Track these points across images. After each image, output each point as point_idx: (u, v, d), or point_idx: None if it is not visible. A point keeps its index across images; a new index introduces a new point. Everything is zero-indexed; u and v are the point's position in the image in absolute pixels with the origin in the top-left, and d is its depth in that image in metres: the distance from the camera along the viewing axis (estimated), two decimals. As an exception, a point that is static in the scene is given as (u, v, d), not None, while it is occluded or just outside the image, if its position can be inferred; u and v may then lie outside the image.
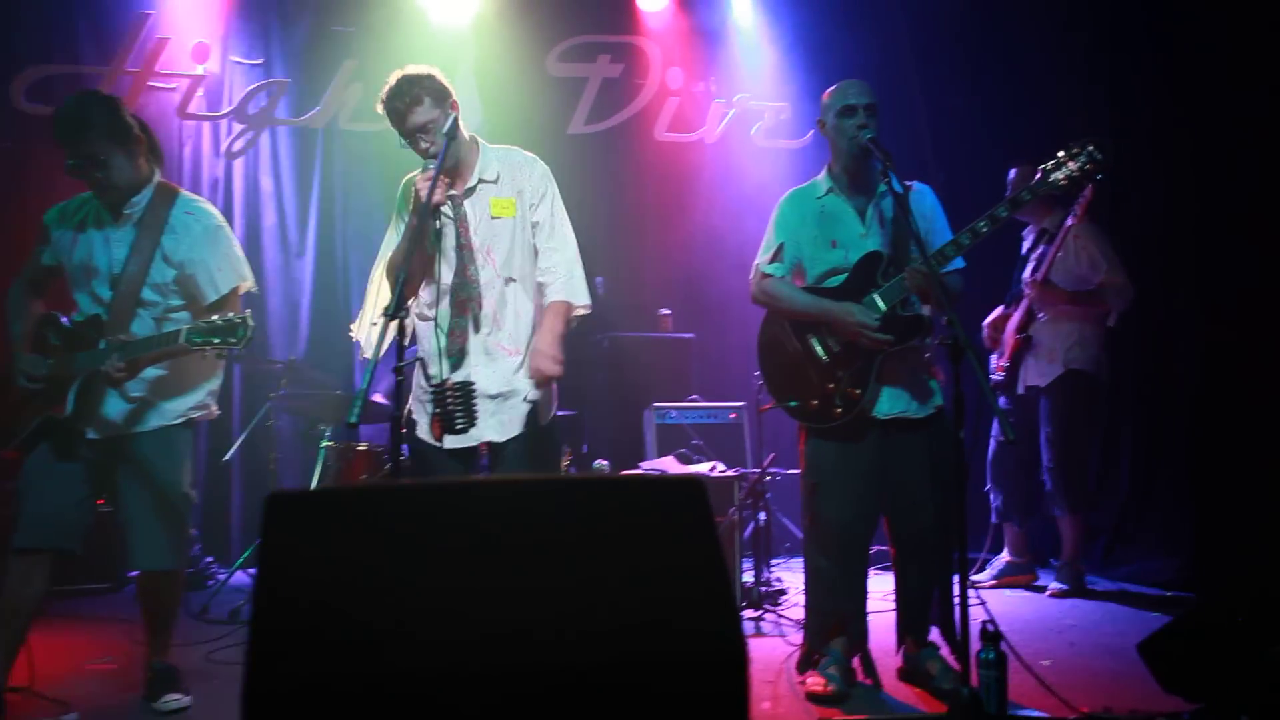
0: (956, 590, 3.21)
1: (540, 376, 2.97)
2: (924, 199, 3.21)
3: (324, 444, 4.67)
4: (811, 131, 6.60)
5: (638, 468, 4.70)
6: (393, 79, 2.97)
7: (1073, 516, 4.77)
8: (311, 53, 6.02)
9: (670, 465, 4.64)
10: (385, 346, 2.48)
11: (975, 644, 2.55)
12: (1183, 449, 5.07)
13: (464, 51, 6.09)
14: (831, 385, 3.14)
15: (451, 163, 2.97)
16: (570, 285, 3.08)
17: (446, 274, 2.99)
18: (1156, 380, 5.25)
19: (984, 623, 2.59)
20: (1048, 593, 4.72)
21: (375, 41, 5.89)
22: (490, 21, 6.14)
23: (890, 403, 3.13)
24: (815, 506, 3.18)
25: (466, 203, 3.03)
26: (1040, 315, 4.84)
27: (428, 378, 2.96)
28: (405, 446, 3.02)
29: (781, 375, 3.26)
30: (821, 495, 3.17)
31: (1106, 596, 4.73)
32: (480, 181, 3.06)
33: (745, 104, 6.61)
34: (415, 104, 2.92)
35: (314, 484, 4.58)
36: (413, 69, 2.98)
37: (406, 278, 2.73)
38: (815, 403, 3.16)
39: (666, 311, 6.16)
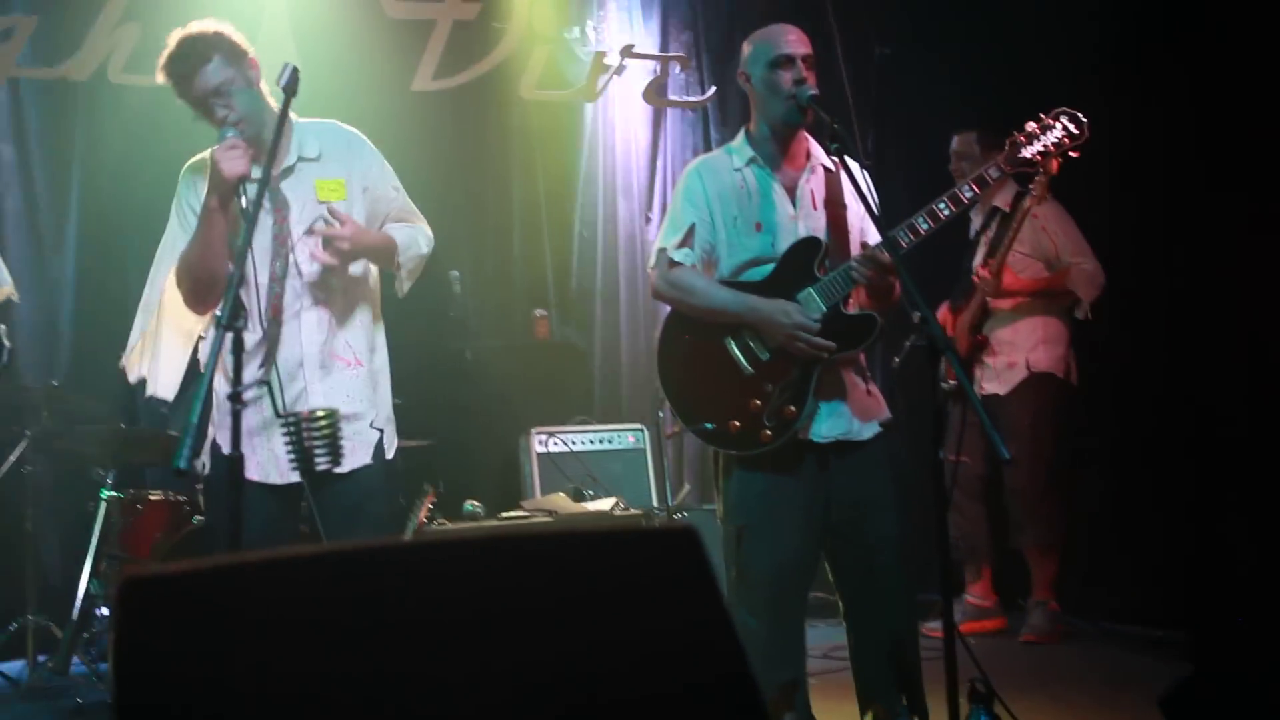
0: (924, 643, 3.32)
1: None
2: (857, 177, 3.26)
3: (104, 494, 4.48)
4: (714, 89, 6.67)
5: (518, 508, 4.65)
6: (171, 41, 2.96)
7: (1043, 547, 4.94)
8: (67, -22, 5.77)
9: (561, 505, 4.61)
10: (214, 365, 2.37)
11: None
12: (1167, 463, 5.31)
13: (275, -10, 5.92)
14: (758, 402, 3.12)
15: (254, 131, 2.95)
16: (415, 240, 3.18)
17: (258, 273, 2.96)
18: (1133, 383, 5.49)
19: (972, 680, 2.64)
20: (1021, 638, 4.87)
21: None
22: (307, -51, 5.99)
23: (830, 422, 3.14)
24: (742, 556, 3.16)
25: (284, 185, 3.02)
26: (995, 310, 5.00)
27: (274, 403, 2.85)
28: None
29: (692, 391, 3.21)
30: (749, 540, 3.15)
31: (1087, 639, 4.91)
32: (300, 160, 3.07)
33: (632, 55, 6.63)
34: (203, 63, 2.91)
35: (92, 547, 4.39)
36: (196, 26, 2.98)
37: (210, 277, 2.66)
38: (737, 424, 3.12)
39: (542, 313, 6.13)
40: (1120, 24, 5.47)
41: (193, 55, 2.90)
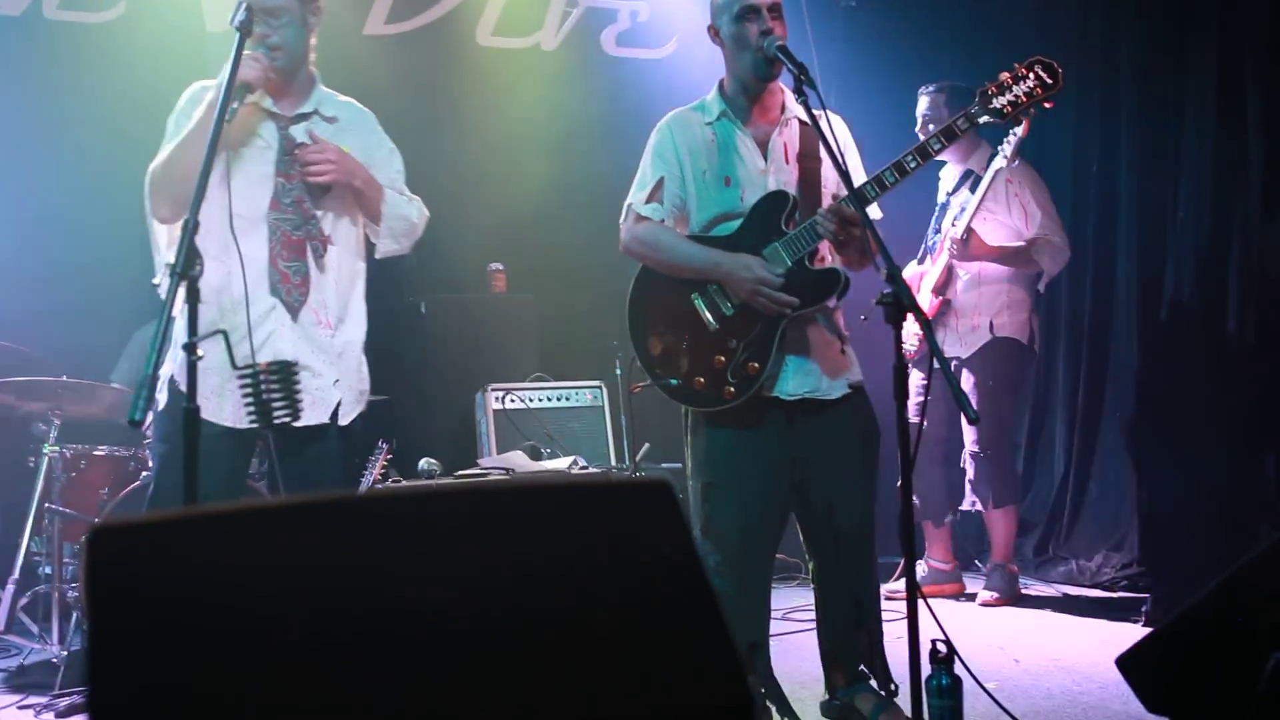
0: (885, 606, 3.38)
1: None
2: (837, 131, 3.27)
3: (46, 449, 4.44)
4: (675, 38, 6.64)
5: (475, 466, 4.66)
6: None
7: (1002, 510, 5.04)
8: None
9: (518, 462, 4.63)
10: (169, 312, 2.36)
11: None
12: (1122, 429, 5.43)
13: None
14: (722, 358, 3.16)
15: (284, 63, 3.07)
16: (406, 204, 3.34)
17: (253, 200, 3.05)
18: (1090, 351, 5.59)
19: (934, 641, 2.70)
20: (979, 601, 4.97)
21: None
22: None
23: (798, 380, 3.18)
24: (707, 512, 3.20)
25: (294, 128, 3.14)
26: (962, 274, 5.06)
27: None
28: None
29: (658, 347, 3.25)
30: (714, 498, 3.19)
31: (1045, 603, 5.03)
32: (318, 114, 3.19)
33: (591, 1, 6.58)
34: None
35: (34, 504, 4.35)
36: None
37: (189, 174, 2.71)
38: (701, 380, 3.17)
39: (498, 267, 6.11)
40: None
41: None
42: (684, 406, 3.27)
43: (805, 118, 3.11)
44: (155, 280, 3.02)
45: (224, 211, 3.01)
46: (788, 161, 3.23)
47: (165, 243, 3.10)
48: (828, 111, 3.00)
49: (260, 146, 3.11)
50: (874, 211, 3.21)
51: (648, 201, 3.26)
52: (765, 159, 3.22)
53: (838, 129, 3.27)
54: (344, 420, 3.21)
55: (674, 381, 3.20)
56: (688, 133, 3.28)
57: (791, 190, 3.19)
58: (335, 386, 3.17)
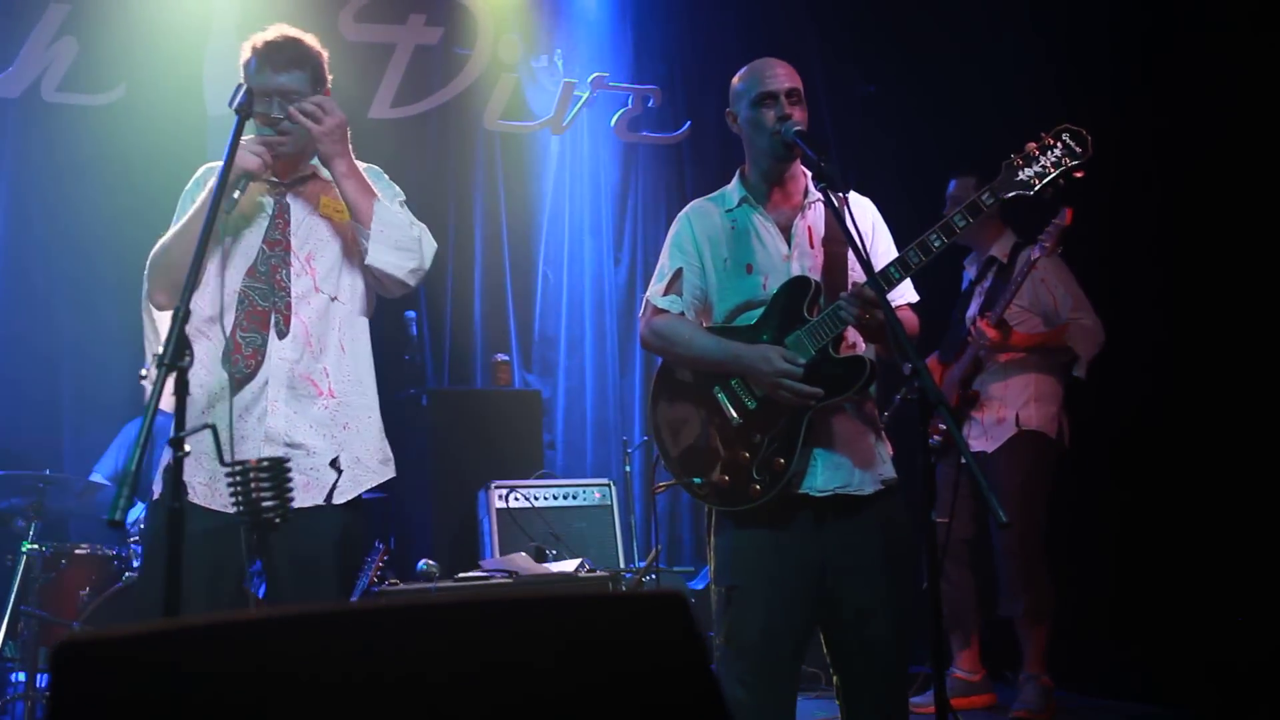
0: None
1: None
2: (863, 212, 3.25)
3: (25, 547, 4.40)
4: (689, 124, 6.70)
5: (477, 568, 4.58)
6: (273, 29, 3.08)
7: (1035, 618, 4.93)
8: (3, -9, 5.74)
9: (522, 565, 4.55)
10: (155, 407, 2.31)
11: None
12: (1161, 527, 5.33)
13: (224, 4, 5.90)
14: (747, 454, 3.10)
15: (289, 150, 3.04)
16: (406, 218, 3.16)
17: (234, 276, 3.01)
18: (1125, 443, 5.52)
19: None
20: (1012, 715, 4.84)
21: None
22: (261, -35, 5.99)
23: (828, 475, 3.10)
24: (730, 618, 3.13)
25: (289, 195, 3.10)
26: (988, 364, 5.02)
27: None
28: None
29: (682, 443, 3.21)
30: (738, 602, 3.11)
31: (1083, 715, 4.90)
32: (315, 176, 3.14)
33: (603, 86, 6.66)
34: (293, 65, 3.02)
35: (9, 605, 4.29)
36: (306, 36, 3.10)
37: (188, 281, 2.68)
38: (727, 478, 3.11)
39: (504, 358, 6.11)
40: (1099, 65, 5.58)
41: (292, 52, 3.03)
42: (707, 506, 3.21)
43: (833, 199, 3.10)
44: (143, 372, 2.97)
45: (218, 295, 2.98)
46: (812, 246, 3.20)
47: (159, 332, 3.08)
48: (853, 193, 2.98)
49: (258, 218, 3.09)
50: (910, 293, 3.18)
51: (665, 294, 3.25)
52: (789, 244, 3.19)
53: (865, 210, 3.26)
54: (340, 499, 3.07)
55: (698, 480, 3.14)
56: (707, 222, 3.27)
57: (815, 275, 3.15)
58: (332, 466, 3.05)
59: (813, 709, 4.72)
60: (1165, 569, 5.31)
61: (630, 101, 6.70)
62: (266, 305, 3.01)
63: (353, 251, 3.12)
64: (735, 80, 3.25)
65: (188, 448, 2.39)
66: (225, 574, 2.99)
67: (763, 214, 3.23)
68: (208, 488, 2.96)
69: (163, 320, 3.08)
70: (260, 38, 3.06)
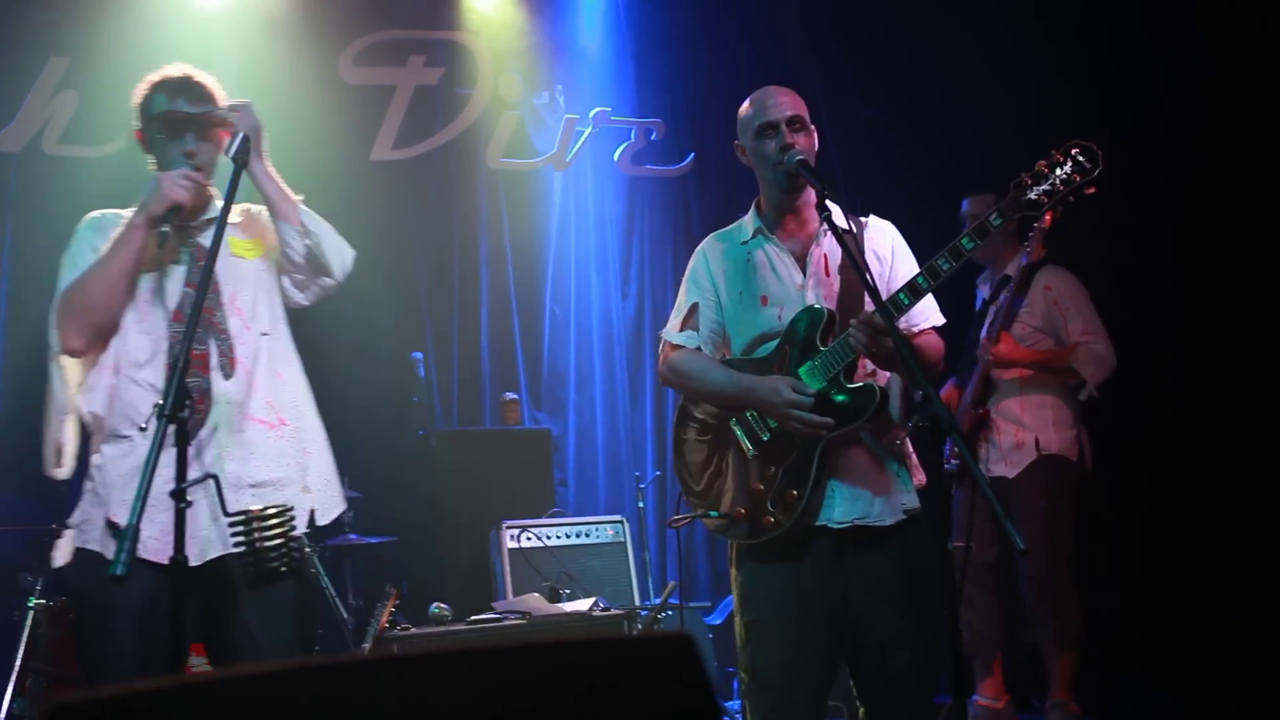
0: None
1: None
2: (882, 236, 3.23)
3: (32, 602, 4.37)
4: (692, 156, 6.71)
5: (489, 610, 4.54)
6: (176, 68, 3.10)
7: (1063, 643, 4.86)
8: (3, 45, 5.76)
9: (535, 606, 4.51)
10: (155, 459, 2.30)
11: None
12: (1187, 547, 5.28)
13: (224, 50, 5.93)
14: (761, 486, 3.09)
15: (200, 189, 3.04)
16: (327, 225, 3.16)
17: (158, 323, 2.97)
18: (1149, 462, 5.47)
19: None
20: (1037, 746, 4.78)
21: (96, 34, 5.68)
22: (260, 10, 6.02)
23: (846, 506, 3.07)
24: (750, 652, 3.11)
25: (200, 238, 3.08)
26: (999, 384, 4.98)
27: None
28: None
29: (702, 477, 3.22)
30: (757, 637, 3.10)
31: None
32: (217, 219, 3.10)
33: (606, 120, 6.67)
34: (203, 100, 3.03)
35: (17, 662, 4.27)
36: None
37: (106, 304, 2.76)
38: (742, 511, 3.10)
39: (513, 396, 6.09)
40: (1102, 87, 5.58)
41: (200, 87, 3.05)
42: (729, 540, 3.20)
43: (846, 226, 3.08)
44: (141, 425, 2.87)
45: (142, 341, 2.95)
46: (828, 274, 3.18)
47: (75, 382, 3.01)
48: (873, 217, 2.96)
49: (172, 262, 3.04)
50: (934, 316, 3.16)
51: (682, 329, 3.27)
52: (804, 273, 3.17)
53: (884, 233, 3.25)
54: (323, 520, 3.07)
55: (715, 514, 3.14)
56: (722, 255, 3.28)
57: (830, 304, 3.13)
58: (305, 494, 3.03)
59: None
60: (1195, 590, 5.24)
61: (633, 135, 6.70)
62: (203, 349, 2.96)
63: (269, 288, 3.14)
64: (741, 111, 3.25)
65: (191, 498, 2.37)
66: (162, 627, 2.74)
67: (777, 244, 3.22)
68: (157, 541, 2.82)
69: (72, 368, 3.03)
70: (166, 72, 3.08)
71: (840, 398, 3.05)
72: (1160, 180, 5.43)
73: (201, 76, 3.09)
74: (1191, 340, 5.26)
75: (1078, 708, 4.91)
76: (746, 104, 3.24)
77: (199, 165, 2.99)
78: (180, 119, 2.99)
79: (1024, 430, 4.94)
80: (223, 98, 3.08)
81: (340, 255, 3.14)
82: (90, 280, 2.95)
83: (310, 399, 3.18)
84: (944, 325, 3.25)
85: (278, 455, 3.01)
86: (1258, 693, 4.62)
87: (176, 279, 3.02)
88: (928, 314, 3.15)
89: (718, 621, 5.52)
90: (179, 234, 3.04)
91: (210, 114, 3.01)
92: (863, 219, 3.21)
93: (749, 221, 3.28)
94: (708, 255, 3.30)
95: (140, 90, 3.06)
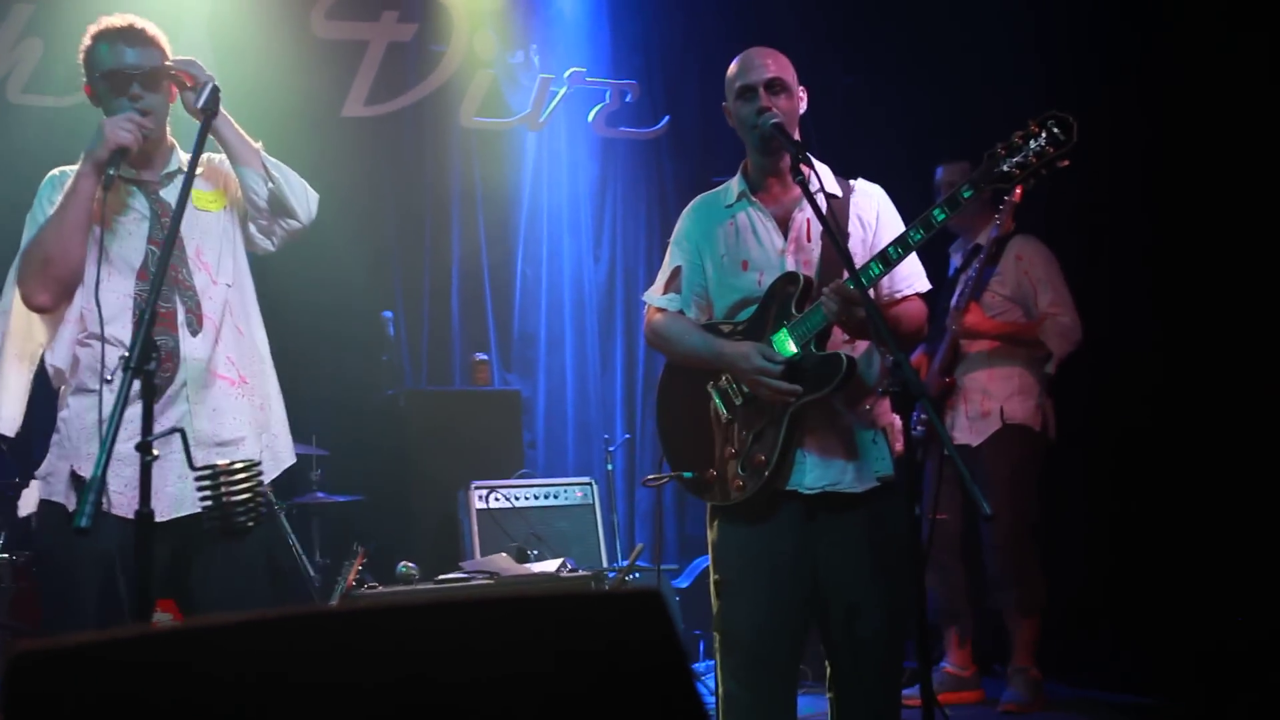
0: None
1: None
2: (868, 201, 3.22)
3: (-7, 557, 4.36)
4: (667, 119, 6.69)
5: (457, 570, 4.56)
6: (118, 16, 3.03)
7: (1025, 610, 4.92)
8: (-36, -5, 5.69)
9: (503, 566, 4.53)
10: (120, 412, 2.29)
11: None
12: (1149, 518, 5.34)
13: (194, 2, 5.86)
14: (732, 449, 3.10)
15: (150, 133, 3.00)
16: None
17: (123, 281, 2.98)
18: (1116, 434, 5.53)
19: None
20: (1000, 708, 4.84)
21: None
22: (230, -36, 5.95)
23: (817, 472, 3.08)
24: (720, 610, 3.14)
25: (163, 192, 3.07)
26: (966, 354, 5.01)
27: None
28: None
29: (681, 438, 3.25)
30: (727, 596, 3.13)
31: (1072, 708, 4.89)
32: (180, 170, 3.10)
33: (580, 81, 6.63)
34: (147, 45, 2.99)
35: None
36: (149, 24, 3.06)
37: (64, 258, 2.73)
38: (714, 473, 3.12)
39: (483, 357, 6.08)
40: (1078, 62, 5.60)
41: (142, 34, 2.99)
42: (703, 500, 3.24)
43: (833, 190, 3.09)
44: (107, 376, 2.86)
45: (111, 299, 2.93)
46: (809, 239, 3.16)
47: (42, 339, 3.02)
48: (861, 181, 3.03)
49: (136, 219, 3.03)
50: (919, 282, 3.17)
51: (664, 292, 3.28)
52: (785, 237, 3.17)
53: (870, 198, 3.24)
54: (266, 478, 3.10)
55: (688, 475, 3.17)
56: (706, 218, 3.27)
57: (810, 270, 3.12)
58: (265, 451, 3.07)
59: (801, 705, 4.69)
60: (1156, 560, 5.33)
61: (608, 96, 6.67)
62: (169, 306, 2.96)
63: (230, 235, 3.14)
64: (728, 72, 3.23)
65: (156, 452, 2.37)
66: (127, 582, 2.83)
67: (760, 208, 3.20)
68: (123, 496, 2.86)
69: (38, 325, 3.03)
70: (107, 22, 3.03)
71: (810, 365, 3.06)
72: (1136, 153, 5.46)
73: (144, 24, 3.05)
74: (1163, 315, 5.31)
75: (1039, 674, 4.98)
76: (733, 65, 3.22)
77: (145, 110, 2.95)
78: (125, 76, 2.95)
79: (989, 399, 4.98)
80: (166, 43, 3.04)
81: (305, 197, 3.13)
82: (45, 234, 2.94)
83: (267, 354, 3.20)
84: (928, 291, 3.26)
85: (240, 413, 3.04)
86: (1216, 659, 4.69)
87: (139, 237, 3.01)
88: (912, 280, 3.14)
89: (685, 585, 5.56)
90: (143, 188, 3.04)
91: (157, 69, 2.98)
92: (851, 183, 3.20)
93: (734, 184, 3.26)
94: (692, 218, 3.30)
95: (84, 42, 3.02)
